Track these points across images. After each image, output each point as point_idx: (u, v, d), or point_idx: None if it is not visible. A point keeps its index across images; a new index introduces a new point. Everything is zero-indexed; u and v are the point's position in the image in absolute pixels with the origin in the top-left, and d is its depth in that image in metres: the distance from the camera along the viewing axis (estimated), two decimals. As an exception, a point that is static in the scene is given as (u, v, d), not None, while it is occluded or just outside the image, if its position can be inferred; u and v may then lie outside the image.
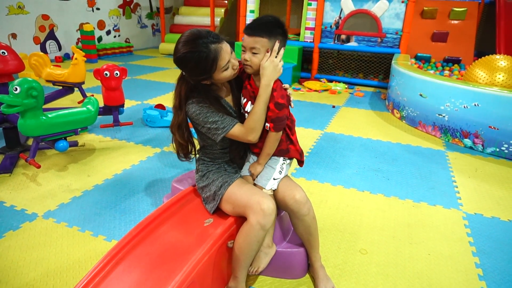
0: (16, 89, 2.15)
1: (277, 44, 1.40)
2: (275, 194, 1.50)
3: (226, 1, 8.15)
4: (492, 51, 5.49)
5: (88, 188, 2.31)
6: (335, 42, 5.56)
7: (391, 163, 2.85)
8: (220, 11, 7.94)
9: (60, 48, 6.80)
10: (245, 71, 1.47)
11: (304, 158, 1.65)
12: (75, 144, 2.93)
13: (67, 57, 6.86)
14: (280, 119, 1.43)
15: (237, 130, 1.44)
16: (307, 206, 1.46)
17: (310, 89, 5.20)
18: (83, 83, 3.71)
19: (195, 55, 1.34)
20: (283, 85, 1.47)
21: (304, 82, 5.43)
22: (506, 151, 2.99)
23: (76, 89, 3.76)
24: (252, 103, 1.46)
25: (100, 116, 3.15)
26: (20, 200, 2.15)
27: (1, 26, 5.70)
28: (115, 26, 7.99)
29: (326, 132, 3.50)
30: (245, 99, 1.51)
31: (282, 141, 1.52)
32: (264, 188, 1.48)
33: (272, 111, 1.41)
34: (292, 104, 1.51)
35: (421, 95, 3.56)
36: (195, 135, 1.63)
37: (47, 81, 3.68)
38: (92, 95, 2.82)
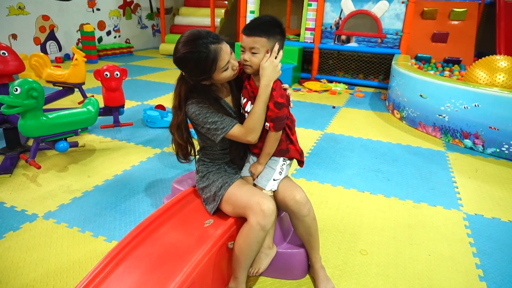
0: (17, 89, 2.15)
1: (276, 46, 1.41)
2: (275, 194, 1.50)
3: (226, 2, 8.16)
4: (492, 51, 5.49)
5: (88, 189, 2.31)
6: (335, 42, 5.56)
7: (391, 163, 2.85)
8: (220, 12, 7.95)
9: (60, 48, 6.81)
10: (244, 71, 1.47)
11: (304, 158, 1.65)
12: (75, 144, 2.93)
13: (67, 57, 6.86)
14: (280, 118, 1.43)
15: (236, 131, 1.44)
16: (307, 206, 1.46)
17: (310, 89, 5.20)
18: (84, 83, 3.71)
19: (194, 55, 1.35)
20: (282, 85, 1.47)
21: (304, 83, 5.43)
22: (506, 151, 2.99)
23: (76, 89, 3.76)
24: (252, 103, 1.46)
25: (100, 117, 3.15)
26: (20, 201, 2.15)
27: (1, 27, 5.71)
28: (115, 26, 7.99)
29: (326, 132, 3.50)
30: (245, 99, 1.51)
31: (282, 140, 1.52)
32: (264, 189, 1.48)
33: (271, 111, 1.41)
34: (291, 104, 1.51)
35: (421, 95, 3.56)
36: (195, 136, 1.63)
37: (48, 81, 3.68)
38: (92, 96, 2.81)
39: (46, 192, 2.26)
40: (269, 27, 1.39)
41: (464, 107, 3.16)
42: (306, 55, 5.89)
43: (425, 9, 6.12)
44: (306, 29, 5.64)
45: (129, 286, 1.18)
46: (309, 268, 1.63)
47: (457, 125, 3.26)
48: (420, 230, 2.01)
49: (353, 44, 5.48)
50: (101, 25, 7.60)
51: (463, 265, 1.75)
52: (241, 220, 1.43)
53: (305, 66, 6.04)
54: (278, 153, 1.54)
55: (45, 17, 6.40)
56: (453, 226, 2.07)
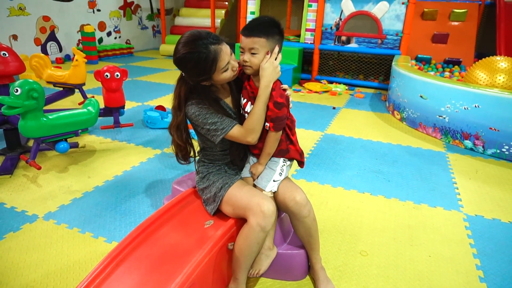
0: (17, 90, 2.15)
1: (276, 48, 1.42)
2: (275, 195, 1.50)
3: (226, 3, 8.17)
4: (492, 52, 5.49)
5: (89, 190, 2.31)
6: (336, 43, 5.56)
7: (391, 164, 2.85)
8: (221, 13, 7.95)
9: (60, 49, 6.81)
10: (244, 72, 1.48)
11: (305, 159, 1.65)
12: (75, 145, 2.93)
13: (67, 58, 6.87)
14: (280, 118, 1.43)
15: (236, 131, 1.44)
16: (308, 207, 1.46)
17: (311, 90, 5.20)
18: (84, 84, 3.71)
19: (194, 56, 1.35)
20: (282, 86, 1.47)
21: (304, 84, 5.43)
22: (506, 152, 2.99)
23: (76, 90, 3.76)
24: (252, 104, 1.46)
25: (100, 118, 3.15)
26: (20, 202, 2.15)
27: (2, 28, 5.72)
28: (116, 27, 8.00)
29: (327, 133, 3.50)
30: (245, 100, 1.51)
31: (282, 141, 1.52)
32: (264, 190, 1.48)
33: (271, 111, 1.42)
34: (291, 104, 1.52)
35: (421, 96, 3.56)
36: (195, 137, 1.63)
37: (48, 82, 3.68)
38: (93, 97, 2.82)
39: (46, 193, 2.26)
40: (268, 27, 1.40)
41: (464, 108, 3.16)
42: (306, 56, 5.90)
43: (425, 10, 6.13)
44: (306, 30, 5.65)
45: (129, 287, 1.18)
46: (309, 269, 1.63)
47: (457, 126, 3.26)
48: (420, 231, 2.01)
49: (353, 45, 5.48)
50: (101, 26, 7.61)
51: (463, 266, 1.74)
52: (241, 221, 1.43)
53: (305, 67, 6.05)
54: (278, 153, 1.54)
55: (46, 18, 6.41)
56: (453, 227, 2.07)
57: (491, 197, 2.42)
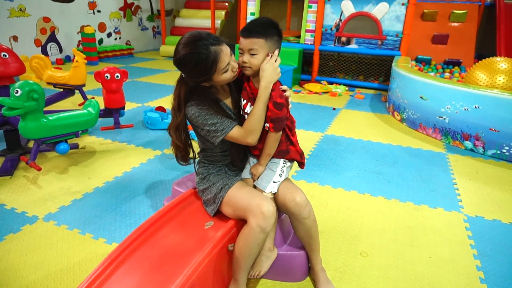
0: (17, 91, 2.15)
1: (276, 51, 1.44)
2: (275, 197, 1.50)
3: (226, 4, 8.17)
4: (492, 53, 5.49)
5: (89, 191, 2.31)
6: (336, 44, 5.57)
7: (391, 165, 2.85)
8: (221, 14, 7.96)
9: (61, 50, 6.82)
10: (244, 73, 1.48)
11: (305, 160, 1.65)
12: (75, 146, 2.93)
13: (68, 59, 6.87)
14: (280, 119, 1.43)
15: (236, 132, 1.44)
16: (308, 209, 1.46)
17: (311, 91, 5.20)
18: (84, 85, 3.71)
19: (195, 57, 1.35)
20: (281, 86, 1.47)
21: (304, 84, 5.44)
22: (507, 153, 2.99)
23: (77, 91, 3.77)
24: (252, 105, 1.47)
25: (100, 119, 3.15)
26: (20, 203, 2.15)
27: (2, 29, 5.72)
28: (116, 28, 8.01)
29: (327, 134, 3.50)
30: (245, 101, 1.52)
31: (282, 141, 1.52)
32: (264, 191, 1.47)
33: (271, 111, 1.42)
34: (290, 104, 1.52)
35: (421, 97, 3.56)
36: (195, 138, 1.63)
37: (48, 83, 3.68)
38: (93, 98, 2.82)
39: (47, 194, 2.26)
40: (267, 28, 1.41)
41: (465, 109, 3.16)
42: (306, 57, 5.90)
43: (425, 11, 6.13)
44: (306, 31, 5.65)
45: (129, 288, 1.18)
46: (310, 270, 1.63)
47: (457, 126, 3.26)
48: (420, 232, 2.01)
49: (353, 46, 5.48)
50: (101, 27, 7.61)
51: (463, 267, 1.74)
52: (241, 222, 1.43)
53: (305, 68, 6.05)
54: (278, 154, 1.54)
55: (46, 19, 6.42)
56: (453, 228, 2.06)
57: (491, 198, 2.42)
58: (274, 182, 1.49)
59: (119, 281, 1.20)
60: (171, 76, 5.99)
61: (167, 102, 4.32)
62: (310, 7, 5.50)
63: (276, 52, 1.44)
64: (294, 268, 1.60)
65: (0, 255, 1.71)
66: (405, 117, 3.86)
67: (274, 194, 1.49)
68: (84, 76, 3.65)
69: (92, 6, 7.30)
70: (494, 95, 2.99)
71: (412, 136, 3.54)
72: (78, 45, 7.09)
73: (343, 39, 5.50)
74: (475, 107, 3.09)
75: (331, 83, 5.66)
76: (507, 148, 2.98)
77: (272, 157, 1.54)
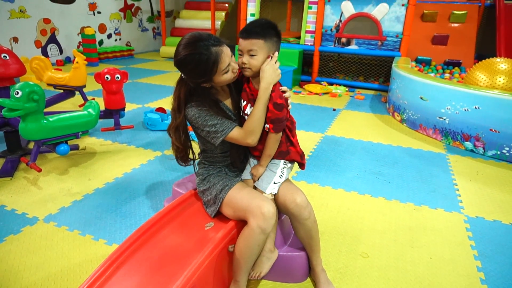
0: (18, 93, 2.15)
1: (276, 53, 1.44)
2: (276, 197, 1.50)
3: (226, 5, 8.18)
4: (492, 54, 5.49)
5: (89, 192, 2.31)
6: (336, 45, 5.57)
7: (392, 166, 2.85)
8: (221, 15, 7.96)
9: (61, 51, 6.82)
10: (243, 74, 1.48)
11: (305, 161, 1.65)
12: (76, 147, 2.93)
13: (68, 60, 6.88)
14: (280, 120, 1.44)
15: (236, 133, 1.44)
16: (308, 209, 1.46)
17: (311, 92, 5.20)
18: (84, 86, 3.71)
19: (195, 57, 1.35)
20: (281, 87, 1.48)
21: (304, 85, 5.44)
22: (507, 154, 2.99)
23: (77, 92, 3.77)
24: (252, 106, 1.47)
25: (101, 120, 3.15)
26: (21, 204, 2.15)
27: (2, 30, 5.73)
28: (116, 29, 8.01)
29: (327, 135, 3.50)
30: (245, 102, 1.52)
31: (282, 142, 1.53)
32: (265, 192, 1.47)
33: (271, 112, 1.43)
34: (290, 105, 1.52)
35: (421, 98, 3.56)
36: (195, 139, 1.63)
37: (48, 84, 3.68)
38: (93, 99, 2.82)
39: (47, 195, 2.26)
40: (265, 29, 1.41)
41: (465, 110, 3.16)
42: (306, 58, 5.90)
43: (425, 11, 6.13)
44: (307, 31, 5.65)
45: (130, 289, 1.18)
46: (310, 271, 1.62)
47: (457, 127, 3.26)
48: (421, 233, 2.01)
49: (353, 47, 5.49)
50: (102, 28, 7.62)
51: (464, 268, 1.74)
52: (242, 223, 1.43)
53: (306, 69, 6.05)
54: (279, 155, 1.54)
55: (46, 20, 6.42)
56: (454, 228, 2.06)
57: (491, 199, 2.42)
58: (274, 183, 1.49)
59: (120, 282, 1.20)
60: (171, 77, 5.99)
61: (167, 103, 4.33)
62: (310, 8, 5.51)
63: (276, 53, 1.45)
64: (295, 269, 1.60)
65: (0, 256, 1.71)
66: (405, 118, 3.86)
67: (274, 195, 1.49)
68: (84, 77, 3.65)
69: (92, 7, 7.31)
70: (494, 96, 3.00)
71: (412, 136, 3.54)
72: (78, 46, 7.09)
73: (343, 40, 5.50)
74: (475, 108, 3.09)
75: (331, 84, 5.66)
76: (507, 148, 2.98)
77: (273, 158, 1.54)
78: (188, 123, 1.53)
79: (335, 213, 2.17)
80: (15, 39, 5.94)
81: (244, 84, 1.54)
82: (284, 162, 1.55)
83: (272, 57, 1.44)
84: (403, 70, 4.00)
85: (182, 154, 1.59)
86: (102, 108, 3.08)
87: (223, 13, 8.00)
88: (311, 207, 1.49)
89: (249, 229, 1.35)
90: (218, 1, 8.12)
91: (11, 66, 2.58)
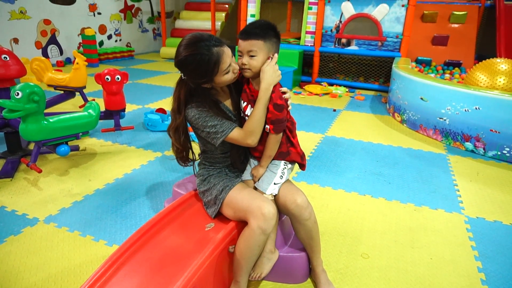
0: (18, 94, 2.16)
1: (276, 55, 1.45)
2: (276, 198, 1.50)
3: (226, 6, 8.18)
4: (492, 54, 5.49)
5: (89, 193, 2.31)
6: (336, 46, 5.57)
7: (392, 166, 2.85)
8: (221, 15, 7.97)
9: (61, 52, 6.83)
10: (243, 75, 1.49)
11: (306, 161, 1.65)
12: (76, 148, 2.93)
13: (68, 61, 6.88)
14: (280, 120, 1.44)
15: (236, 134, 1.45)
16: (309, 210, 1.46)
17: (311, 92, 5.20)
18: (85, 87, 3.72)
19: (197, 58, 1.36)
20: (281, 88, 1.48)
21: (305, 86, 5.44)
22: (507, 154, 2.99)
23: (77, 93, 3.77)
24: (252, 107, 1.47)
25: (101, 121, 3.15)
26: (21, 205, 2.15)
27: (3, 31, 5.73)
28: (116, 30, 8.02)
29: (327, 135, 3.50)
30: (245, 103, 1.52)
31: (282, 143, 1.53)
32: (265, 193, 1.47)
33: (271, 113, 1.43)
34: (290, 106, 1.52)
35: (422, 98, 3.56)
36: (195, 139, 1.63)
37: (49, 85, 3.69)
38: (93, 100, 2.82)
39: (47, 196, 2.26)
40: (265, 30, 1.42)
41: (465, 110, 3.16)
42: (306, 59, 5.90)
43: (425, 12, 6.14)
44: (307, 32, 5.66)
45: (130, 290, 1.18)
46: (311, 272, 1.62)
47: (458, 128, 3.25)
48: (421, 234, 2.01)
49: (353, 47, 5.49)
50: (102, 29, 7.63)
51: (465, 269, 1.74)
52: (242, 223, 1.43)
53: (306, 69, 6.05)
54: (279, 155, 1.54)
55: (47, 21, 6.43)
56: (454, 229, 2.06)
57: (492, 199, 2.42)
58: (274, 184, 1.49)
59: (120, 283, 1.20)
60: (172, 77, 6.00)
61: (167, 103, 4.32)
62: (310, 8, 5.51)
63: (276, 55, 1.45)
64: (295, 269, 1.60)
65: (0, 257, 1.71)
66: (405, 118, 3.86)
67: (275, 196, 1.49)
68: (84, 78, 3.66)
69: (92, 8, 7.31)
70: (494, 96, 3.00)
71: (412, 137, 3.54)
72: (78, 47, 7.10)
73: (343, 40, 5.50)
74: (476, 108, 3.09)
75: (331, 85, 5.66)
76: (507, 149, 2.97)
77: (273, 159, 1.54)
78: (188, 124, 1.53)
79: (335, 214, 2.16)
80: (16, 40, 5.95)
81: (244, 85, 1.54)
82: (285, 163, 1.55)
83: (272, 58, 1.44)
84: (403, 71, 4.00)
85: (181, 155, 1.59)
86: (103, 109, 3.08)
87: (223, 14, 8.00)
88: (312, 207, 1.49)
89: (249, 229, 1.35)
90: (218, 2, 8.12)
91: (12, 67, 2.58)
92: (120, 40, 8.15)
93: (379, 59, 5.64)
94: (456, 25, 6.06)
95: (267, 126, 1.46)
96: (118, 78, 2.97)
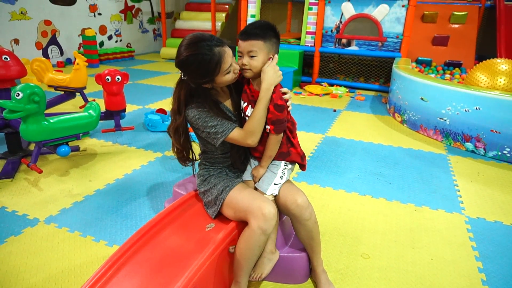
0: (18, 94, 2.16)
1: (276, 56, 1.45)
2: (276, 198, 1.50)
3: (227, 6, 8.19)
4: (493, 55, 5.50)
5: (90, 193, 2.31)
6: (336, 46, 5.57)
7: (392, 167, 2.85)
8: (221, 16, 7.97)
9: (62, 53, 6.83)
10: (243, 76, 1.49)
11: (306, 162, 1.65)
12: (76, 149, 2.94)
13: (69, 62, 6.89)
14: (281, 121, 1.44)
15: (236, 134, 1.45)
16: (309, 210, 1.46)
17: (311, 93, 5.20)
18: (85, 88, 3.72)
19: (198, 58, 1.36)
20: (281, 89, 1.48)
21: (305, 86, 5.44)
22: (508, 154, 2.99)
23: (77, 94, 3.78)
24: (252, 107, 1.47)
25: (101, 121, 3.16)
26: (21, 205, 2.15)
27: (3, 32, 5.74)
28: (117, 31, 8.02)
29: (327, 136, 3.49)
30: (245, 103, 1.52)
31: (283, 143, 1.53)
32: (265, 193, 1.47)
33: (272, 113, 1.43)
34: (290, 106, 1.52)
35: (422, 99, 3.56)
36: (196, 140, 1.63)
37: (49, 86, 3.69)
38: (94, 100, 2.83)
39: (48, 197, 2.26)
40: (265, 30, 1.43)
41: (465, 110, 3.16)
42: (306, 59, 5.90)
43: (425, 12, 6.14)
44: (307, 32, 5.66)
45: (131, 290, 1.18)
46: (311, 272, 1.62)
47: (458, 128, 3.25)
48: (422, 234, 2.00)
49: (353, 48, 5.49)
50: (102, 29, 7.63)
51: (465, 269, 1.74)
52: (243, 224, 1.43)
53: (306, 70, 6.05)
54: (279, 156, 1.54)
55: (47, 22, 6.43)
56: (455, 229, 2.06)
57: (492, 200, 2.41)
58: (275, 184, 1.49)
59: (120, 283, 1.20)
60: (172, 78, 6.00)
61: (167, 104, 4.31)
62: (310, 9, 5.51)
63: (276, 55, 1.46)
64: (296, 270, 1.60)
65: (1, 257, 1.71)
66: (406, 119, 3.86)
67: (275, 196, 1.49)
68: (85, 79, 3.66)
69: (93, 9, 7.32)
70: (494, 97, 2.99)
71: (413, 137, 3.54)
72: (79, 48, 7.10)
73: (344, 41, 5.50)
74: (476, 109, 3.09)
75: (331, 85, 5.66)
76: (508, 149, 2.97)
77: (273, 159, 1.54)
78: (188, 124, 1.53)
79: (335, 214, 2.16)
80: (16, 41, 5.95)
81: (245, 86, 1.54)
82: (285, 163, 1.55)
83: (272, 58, 1.44)
84: (403, 71, 4.00)
85: (181, 155, 1.60)
86: (103, 109, 3.08)
87: (224, 15, 8.01)
88: (312, 208, 1.49)
89: (250, 230, 1.35)
90: (218, 2, 8.13)
91: (12, 68, 2.58)
92: (121, 40, 8.15)
93: (380, 60, 5.64)
94: (456, 26, 6.06)
95: (268, 127, 1.46)
96: (118, 79, 2.97)
